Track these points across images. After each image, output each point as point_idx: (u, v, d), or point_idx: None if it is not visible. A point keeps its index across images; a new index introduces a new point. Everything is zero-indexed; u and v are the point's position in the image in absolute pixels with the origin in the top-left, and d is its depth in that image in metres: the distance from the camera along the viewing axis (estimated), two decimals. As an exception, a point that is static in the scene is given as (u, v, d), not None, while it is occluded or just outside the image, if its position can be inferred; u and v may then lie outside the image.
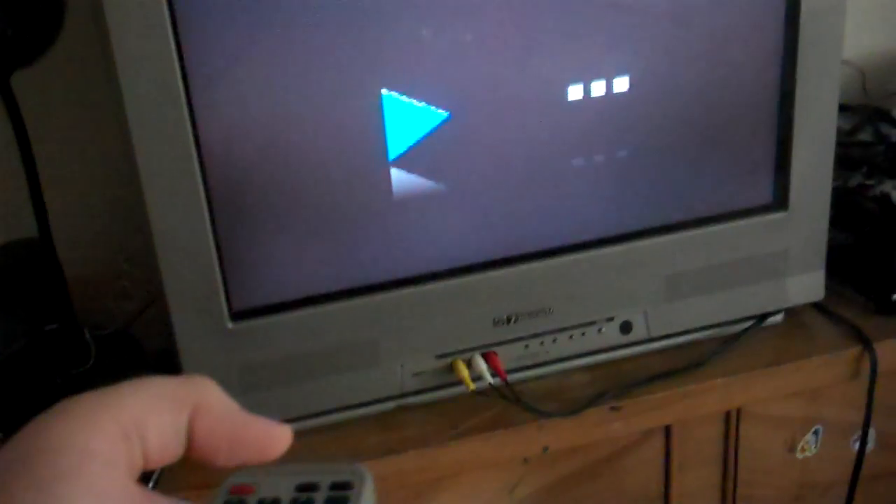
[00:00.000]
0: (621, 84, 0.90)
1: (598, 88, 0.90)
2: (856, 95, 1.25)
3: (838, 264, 1.03)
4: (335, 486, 0.40)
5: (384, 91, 0.85)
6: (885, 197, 1.02)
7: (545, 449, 0.94)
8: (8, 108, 0.93)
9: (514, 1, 0.86)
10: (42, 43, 0.93)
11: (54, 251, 0.98)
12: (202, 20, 0.80)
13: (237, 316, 0.88)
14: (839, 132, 1.19)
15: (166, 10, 0.78)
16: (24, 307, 1.00)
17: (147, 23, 0.78)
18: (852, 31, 0.99)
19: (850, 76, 1.22)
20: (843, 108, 1.24)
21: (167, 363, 0.92)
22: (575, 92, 0.89)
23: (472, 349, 0.94)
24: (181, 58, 0.79)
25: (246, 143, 0.85)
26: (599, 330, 0.97)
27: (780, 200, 0.97)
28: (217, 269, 0.86)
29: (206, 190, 0.84)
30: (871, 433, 1.03)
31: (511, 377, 0.95)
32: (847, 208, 1.05)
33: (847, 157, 1.16)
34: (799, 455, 1.05)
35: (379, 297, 0.91)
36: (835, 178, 1.06)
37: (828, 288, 1.01)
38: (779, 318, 1.03)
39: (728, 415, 1.01)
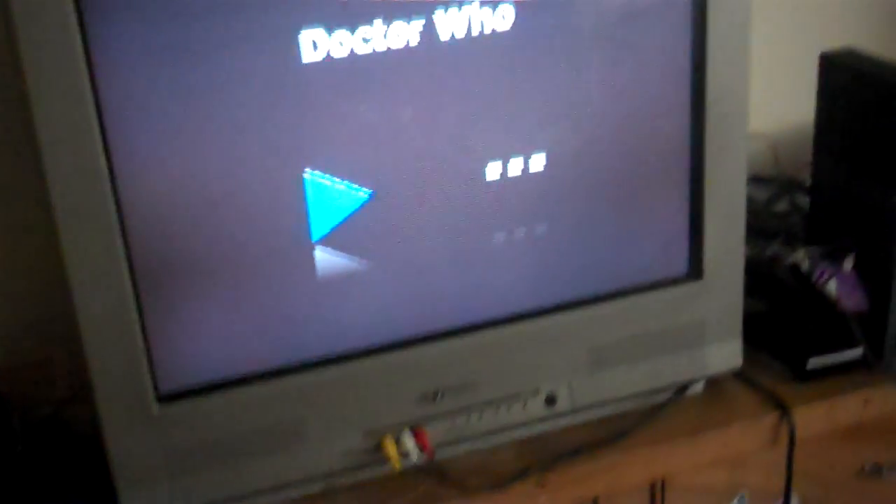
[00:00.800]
0: (538, 161, 0.93)
1: (515, 166, 0.92)
2: (769, 167, 1.29)
3: (755, 332, 1.05)
4: None
5: (307, 171, 0.87)
6: (796, 266, 1.05)
7: (474, 524, 0.95)
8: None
9: (433, 82, 0.89)
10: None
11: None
12: (126, 96, 0.81)
13: (163, 399, 0.89)
14: (756, 203, 1.24)
15: (89, 89, 0.79)
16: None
17: (69, 101, 0.79)
18: (762, 103, 1.04)
19: (762, 148, 1.27)
20: (758, 180, 1.29)
21: (96, 448, 0.92)
22: (493, 169, 0.92)
23: (400, 425, 0.95)
24: (104, 136, 0.81)
25: (170, 222, 0.86)
26: (525, 403, 0.98)
27: (694, 271, 0.99)
28: (142, 352, 0.87)
29: (131, 272, 0.85)
30: (795, 499, 1.05)
31: (439, 452, 0.95)
32: (762, 277, 1.08)
33: (764, 227, 1.20)
34: (726, 522, 1.07)
35: (305, 376, 0.91)
36: (753, 248, 1.10)
37: (746, 355, 1.04)
38: (699, 386, 1.05)
39: (653, 485, 1.02)
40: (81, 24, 0.78)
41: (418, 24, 0.86)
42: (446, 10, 0.86)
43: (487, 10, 0.87)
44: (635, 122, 0.95)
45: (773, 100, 1.20)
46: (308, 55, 0.84)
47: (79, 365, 0.93)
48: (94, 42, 0.79)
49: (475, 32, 0.87)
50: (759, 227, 1.18)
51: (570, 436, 0.99)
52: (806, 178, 1.27)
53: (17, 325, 1.08)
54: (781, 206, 1.28)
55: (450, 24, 0.86)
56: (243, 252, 0.89)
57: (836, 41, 1.13)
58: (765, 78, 1.05)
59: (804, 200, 1.25)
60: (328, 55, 0.84)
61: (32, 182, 0.83)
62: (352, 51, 0.85)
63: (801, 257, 1.05)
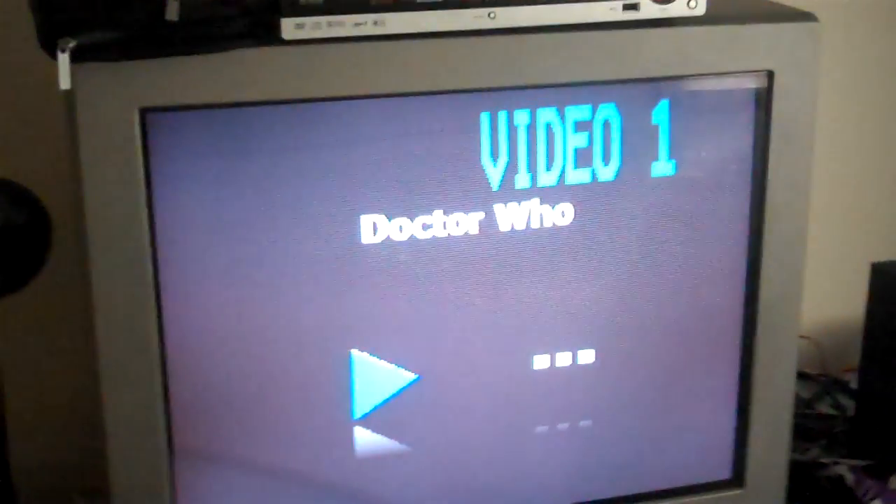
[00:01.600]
0: (587, 355, 0.93)
1: (564, 358, 0.92)
2: (814, 364, 1.28)
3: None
4: None
5: (354, 351, 0.88)
6: (840, 478, 1.03)
7: None
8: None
9: (489, 270, 0.89)
10: (24, 275, 0.95)
11: (10, 476, 0.97)
12: (184, 253, 0.82)
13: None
14: (797, 401, 1.23)
15: (149, 250, 0.80)
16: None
17: (126, 257, 0.80)
18: (809, 303, 1.03)
19: (808, 348, 1.26)
20: (802, 376, 1.27)
21: None
22: (542, 360, 0.92)
23: None
24: (159, 304, 0.82)
25: (211, 389, 0.86)
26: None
27: (737, 477, 0.98)
28: (170, 506, 0.86)
29: (169, 444, 0.85)
30: None
31: None
32: (804, 484, 1.06)
33: (805, 427, 1.18)
34: None
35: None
36: (793, 449, 1.08)
37: (784, 567, 1.01)
38: None
39: None
40: (148, 186, 0.79)
41: (478, 216, 0.87)
42: (506, 205, 0.87)
43: (547, 206, 0.88)
44: (687, 323, 0.95)
45: (819, 297, 1.20)
46: (367, 237, 0.85)
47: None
48: (159, 206, 0.80)
49: (534, 226, 0.89)
50: (800, 425, 1.16)
51: None
52: (850, 379, 1.26)
53: (47, 464, 1.08)
54: (823, 405, 1.27)
55: (509, 217, 0.88)
56: (283, 418, 0.88)
57: (885, 250, 1.14)
58: (811, 275, 1.05)
59: (847, 401, 1.24)
60: (387, 238, 0.86)
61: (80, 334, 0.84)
62: (411, 236, 0.86)
63: (845, 470, 1.03)
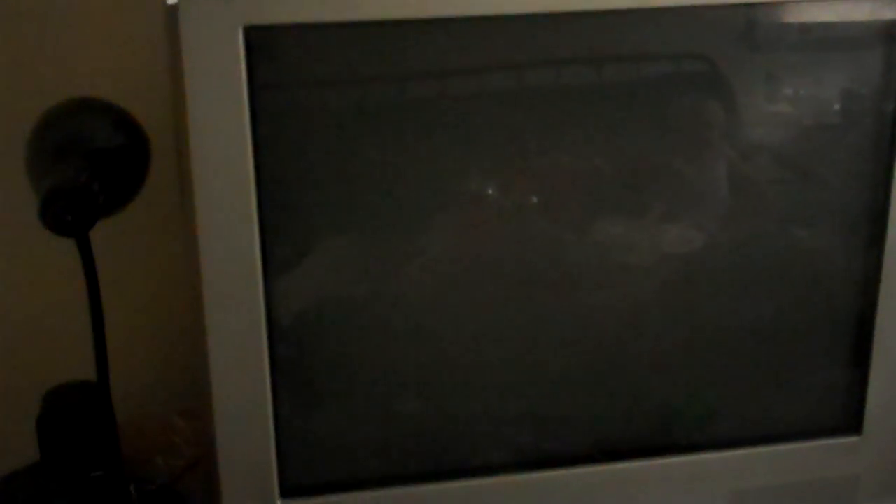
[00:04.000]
0: (703, 294, 0.89)
1: (678, 298, 0.89)
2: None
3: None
4: None
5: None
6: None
7: None
8: (82, 256, 0.93)
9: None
10: (124, 197, 0.94)
11: (110, 397, 0.97)
12: (286, 183, 0.80)
13: (287, 493, 0.87)
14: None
15: (251, 169, 0.78)
16: (73, 451, 0.98)
17: (232, 196, 0.78)
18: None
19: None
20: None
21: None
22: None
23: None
24: (263, 238, 0.80)
25: (316, 323, 0.85)
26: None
27: (854, 424, 0.94)
28: (272, 442, 0.85)
29: (271, 364, 0.83)
30: None
31: None
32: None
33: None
34: None
35: (432, 488, 0.89)
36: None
37: (899, 515, 0.97)
38: (846, 544, 0.99)
39: None
40: (253, 108, 0.77)
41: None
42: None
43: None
44: (809, 265, 0.91)
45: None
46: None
47: (204, 438, 0.92)
48: (263, 129, 0.78)
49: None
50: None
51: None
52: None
53: (149, 388, 1.08)
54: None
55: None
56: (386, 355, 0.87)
57: None
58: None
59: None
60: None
61: (179, 257, 0.83)
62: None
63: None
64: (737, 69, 0.86)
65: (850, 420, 0.94)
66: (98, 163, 0.90)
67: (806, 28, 0.85)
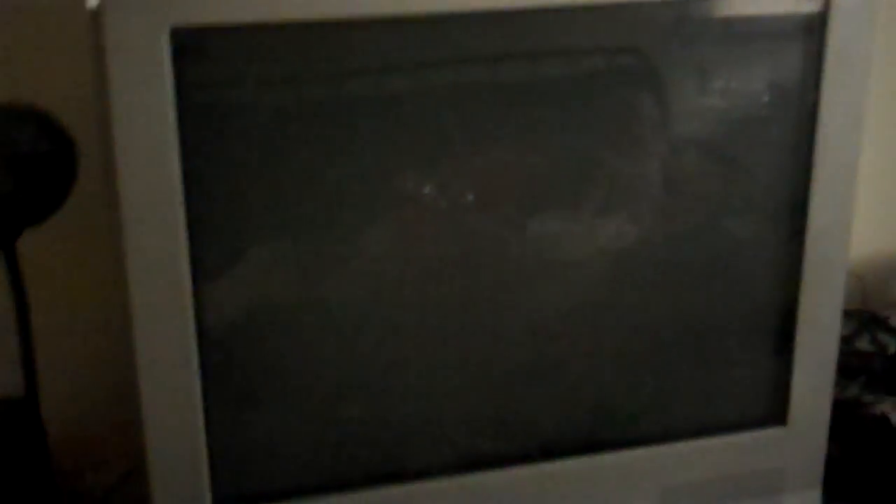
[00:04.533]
0: (627, 285, 0.90)
1: (604, 291, 0.90)
2: (854, 301, 1.25)
3: (833, 479, 1.00)
4: None
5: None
6: (885, 417, 1.01)
7: None
8: (9, 267, 0.92)
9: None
10: (51, 205, 0.93)
11: (39, 412, 0.96)
12: (213, 187, 0.80)
13: (221, 502, 0.86)
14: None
15: (178, 172, 0.77)
16: (2, 469, 0.97)
17: (159, 201, 0.78)
18: (853, 237, 1.00)
19: (850, 282, 1.22)
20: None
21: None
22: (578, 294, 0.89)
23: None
24: (192, 244, 0.79)
25: (247, 329, 0.84)
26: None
27: (779, 415, 0.96)
28: (204, 452, 0.84)
29: (202, 371, 0.82)
30: None
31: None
32: (845, 422, 1.04)
33: (844, 364, 1.15)
34: None
35: (369, 494, 0.88)
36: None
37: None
38: (773, 535, 1.01)
39: None
40: (179, 111, 0.76)
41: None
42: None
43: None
44: (735, 253, 0.93)
45: (860, 233, 1.17)
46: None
47: (135, 451, 0.91)
48: (190, 131, 0.77)
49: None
50: (839, 364, 1.14)
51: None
52: (891, 315, 1.24)
53: (79, 402, 1.07)
54: (863, 342, 1.24)
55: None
56: (314, 361, 0.87)
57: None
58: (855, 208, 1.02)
59: (887, 339, 1.21)
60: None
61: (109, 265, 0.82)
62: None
63: (890, 408, 1.01)
64: (668, 63, 0.87)
65: (776, 411, 0.96)
66: (22, 170, 0.89)
67: (733, 21, 0.86)
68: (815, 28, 0.87)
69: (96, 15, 0.73)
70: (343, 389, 0.88)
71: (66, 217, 0.92)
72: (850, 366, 1.16)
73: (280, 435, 0.87)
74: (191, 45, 0.75)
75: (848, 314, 1.24)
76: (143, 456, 0.84)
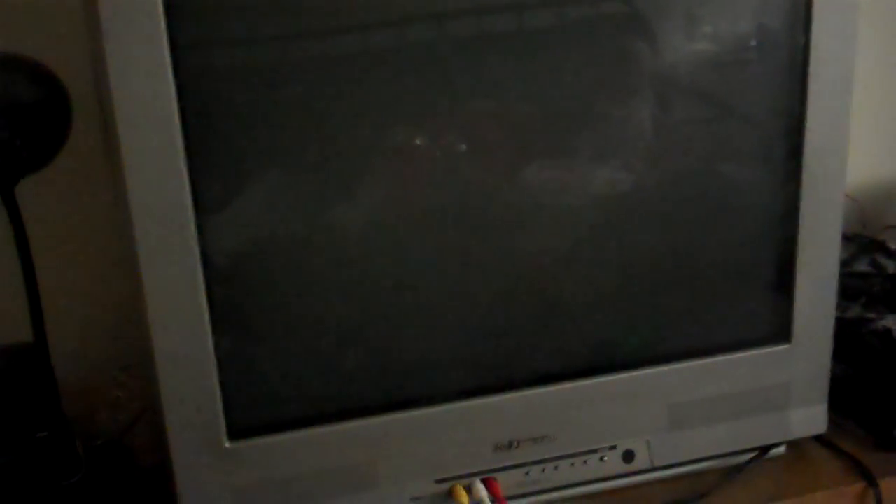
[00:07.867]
0: (630, 212, 0.91)
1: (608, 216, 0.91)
2: (852, 226, 1.26)
3: (839, 396, 1.02)
4: None
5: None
6: (888, 332, 1.02)
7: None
8: (10, 214, 0.92)
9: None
10: (48, 152, 0.93)
11: (48, 357, 0.96)
12: (215, 149, 0.80)
13: (235, 434, 0.87)
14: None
15: (177, 114, 0.77)
16: (14, 414, 0.97)
17: (159, 141, 0.78)
18: (849, 162, 1.01)
19: (848, 207, 1.23)
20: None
21: (160, 477, 0.90)
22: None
23: (473, 475, 0.92)
24: (193, 181, 0.80)
25: (252, 262, 0.85)
26: (602, 458, 0.95)
27: (783, 333, 0.97)
28: (217, 385, 0.85)
29: (210, 306, 0.83)
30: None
31: (512, 503, 0.93)
32: (848, 340, 1.05)
33: (844, 287, 1.16)
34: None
35: (379, 420, 0.89)
36: (834, 309, 1.07)
37: (829, 420, 1.01)
38: (781, 449, 1.02)
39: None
40: (174, 55, 0.76)
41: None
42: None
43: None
44: (734, 190, 0.94)
45: (859, 157, 1.18)
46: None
47: (147, 390, 0.92)
48: (184, 74, 0.77)
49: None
50: (840, 286, 1.15)
51: (646, 493, 0.97)
52: (888, 238, 1.24)
53: (89, 344, 1.07)
54: (861, 265, 1.25)
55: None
56: (319, 292, 0.87)
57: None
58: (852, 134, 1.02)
59: (886, 261, 1.22)
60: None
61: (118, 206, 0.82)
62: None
63: (892, 322, 1.02)
64: (657, 9, 0.88)
65: (780, 329, 0.97)
66: (18, 118, 0.89)
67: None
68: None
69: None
70: (347, 323, 0.89)
71: (64, 163, 0.92)
72: (850, 288, 1.17)
73: (289, 365, 0.88)
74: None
75: (846, 239, 1.25)
76: (156, 394, 0.85)
